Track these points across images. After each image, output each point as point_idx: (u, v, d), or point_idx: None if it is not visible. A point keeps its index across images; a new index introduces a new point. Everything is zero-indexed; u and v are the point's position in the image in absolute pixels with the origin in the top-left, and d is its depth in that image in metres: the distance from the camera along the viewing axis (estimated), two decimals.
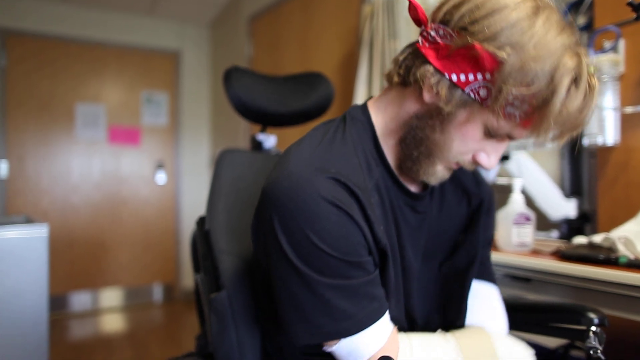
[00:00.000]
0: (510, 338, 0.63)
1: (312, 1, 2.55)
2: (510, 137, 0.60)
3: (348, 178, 0.59)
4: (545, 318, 0.83)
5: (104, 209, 3.52)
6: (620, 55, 1.24)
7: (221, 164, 0.88)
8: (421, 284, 0.72)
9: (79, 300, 3.44)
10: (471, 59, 0.55)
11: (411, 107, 0.64)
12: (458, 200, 0.77)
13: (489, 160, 0.62)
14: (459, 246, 0.75)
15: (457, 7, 0.57)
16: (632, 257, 0.93)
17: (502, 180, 1.38)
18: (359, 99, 1.92)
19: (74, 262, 3.40)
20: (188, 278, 3.77)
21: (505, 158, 1.37)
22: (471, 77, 0.56)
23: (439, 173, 0.65)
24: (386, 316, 0.61)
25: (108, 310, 3.46)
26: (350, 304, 0.57)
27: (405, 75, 0.64)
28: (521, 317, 0.86)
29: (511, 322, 0.87)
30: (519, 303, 0.89)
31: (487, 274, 0.78)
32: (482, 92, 0.56)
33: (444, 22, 0.58)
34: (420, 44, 0.61)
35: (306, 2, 2.60)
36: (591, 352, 0.70)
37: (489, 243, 0.80)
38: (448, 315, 0.74)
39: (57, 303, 3.32)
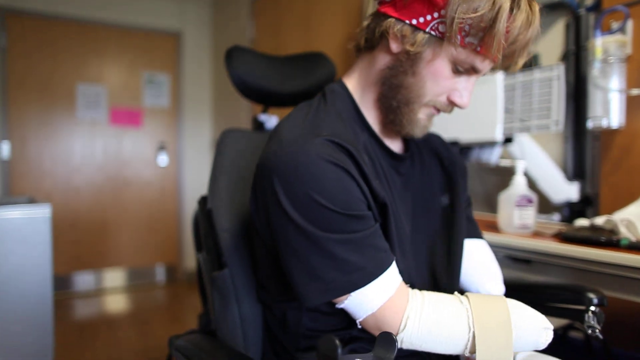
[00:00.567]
0: (526, 309, 0.63)
1: None
2: (475, 70, 0.66)
3: (340, 138, 0.62)
4: (544, 297, 0.84)
5: (106, 191, 3.53)
6: (628, 37, 1.23)
7: (223, 143, 0.88)
8: (414, 246, 0.74)
9: (83, 280, 3.47)
10: (424, 2, 0.62)
11: (382, 62, 0.70)
12: (435, 163, 0.83)
13: (462, 99, 0.67)
14: (444, 208, 0.80)
15: None
16: (633, 239, 0.93)
17: (504, 163, 1.37)
18: None
19: (77, 243, 3.43)
20: (190, 259, 3.80)
21: (508, 140, 1.36)
22: (428, 17, 0.62)
23: (421, 121, 0.70)
24: (393, 267, 0.63)
25: (111, 290, 3.51)
26: (357, 256, 0.59)
27: (370, 37, 0.70)
28: (519, 296, 0.87)
29: None
30: (517, 282, 0.89)
31: (474, 231, 0.84)
32: (441, 28, 0.62)
33: None
34: (380, 5, 0.69)
35: None
36: (590, 331, 0.70)
37: (469, 203, 0.88)
38: (441, 277, 0.76)
39: (61, 283, 3.35)
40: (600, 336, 0.70)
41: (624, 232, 0.95)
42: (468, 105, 0.68)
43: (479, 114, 1.33)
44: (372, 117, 0.73)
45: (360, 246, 0.60)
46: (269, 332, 0.78)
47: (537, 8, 0.63)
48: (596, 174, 1.35)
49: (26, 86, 3.27)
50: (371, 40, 0.71)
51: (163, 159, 3.71)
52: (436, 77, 0.66)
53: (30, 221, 1.44)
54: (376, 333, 0.62)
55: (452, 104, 0.69)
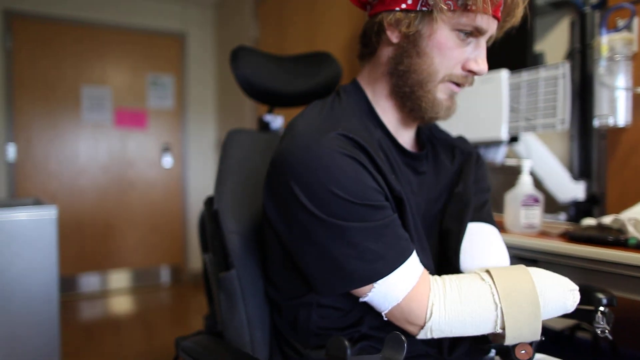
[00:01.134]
0: (549, 275, 0.61)
1: None
2: (480, 32, 0.64)
3: (354, 133, 0.63)
4: None
5: (111, 192, 3.54)
6: (634, 34, 1.22)
7: (229, 144, 0.88)
8: (420, 245, 0.73)
9: (88, 281, 3.49)
10: None
11: (386, 55, 0.70)
12: (450, 159, 0.82)
13: (477, 64, 0.66)
14: (453, 197, 0.78)
15: None
16: None
17: (510, 162, 1.37)
18: None
19: (82, 244, 3.44)
20: (195, 260, 3.81)
21: (513, 140, 1.35)
22: None
23: (443, 102, 0.69)
24: (415, 256, 0.63)
25: (116, 291, 3.52)
26: (378, 244, 0.59)
27: (369, 42, 0.72)
28: None
29: None
30: None
31: (487, 216, 0.80)
32: (430, 1, 0.63)
33: None
34: (370, 11, 0.70)
35: None
36: (599, 332, 0.70)
37: (488, 189, 0.84)
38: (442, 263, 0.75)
39: (67, 284, 3.37)
40: (610, 337, 0.70)
41: (632, 232, 0.95)
42: (486, 69, 0.66)
43: (484, 113, 1.32)
44: (386, 115, 0.73)
45: (380, 235, 0.59)
46: (277, 333, 0.78)
47: None
48: (603, 172, 1.34)
49: (31, 88, 3.29)
50: (371, 45, 0.72)
51: (168, 160, 3.72)
52: (442, 50, 0.65)
53: (37, 223, 1.44)
54: (404, 324, 0.62)
55: (469, 73, 0.67)
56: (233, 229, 0.79)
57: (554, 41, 1.48)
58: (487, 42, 0.69)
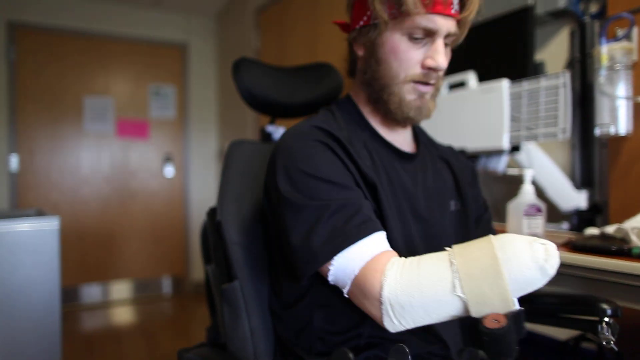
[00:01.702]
0: (514, 241, 0.54)
1: None
2: (429, 31, 0.69)
3: (328, 126, 0.72)
4: (557, 309, 0.83)
5: (113, 202, 3.55)
6: (634, 44, 1.22)
7: (231, 155, 0.88)
8: (427, 243, 0.76)
9: (90, 292, 3.48)
10: (358, 6, 0.74)
11: (359, 69, 0.80)
12: (446, 170, 0.87)
13: (434, 60, 0.70)
14: (455, 213, 0.83)
15: None
16: None
17: (512, 171, 1.37)
18: None
19: (84, 254, 3.44)
20: (197, 270, 3.80)
21: (515, 149, 1.36)
22: (368, 13, 0.72)
23: (411, 102, 0.73)
24: (380, 237, 0.63)
25: (118, 302, 3.50)
26: (341, 221, 0.62)
27: (349, 58, 0.83)
28: (531, 308, 0.86)
29: None
30: (529, 294, 0.88)
31: (491, 232, 0.87)
32: (381, 15, 0.70)
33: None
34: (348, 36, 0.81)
35: None
36: (604, 343, 0.69)
37: (487, 207, 0.92)
38: None
39: (68, 295, 3.36)
40: (616, 348, 0.69)
41: (635, 241, 0.94)
42: (443, 65, 0.70)
43: (486, 123, 1.33)
44: (373, 119, 0.80)
45: (343, 210, 0.62)
46: (281, 344, 0.78)
47: None
48: (605, 181, 1.34)
49: (35, 99, 3.31)
50: (351, 61, 0.83)
51: (169, 170, 3.73)
52: (396, 54, 0.71)
53: (39, 234, 1.44)
54: (362, 300, 0.61)
55: (429, 70, 0.71)
56: (236, 240, 0.79)
57: (553, 50, 1.49)
58: (448, 39, 0.73)
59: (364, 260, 0.60)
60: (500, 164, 1.38)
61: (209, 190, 3.86)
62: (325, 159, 0.66)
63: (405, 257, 0.63)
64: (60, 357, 1.43)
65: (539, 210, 1.11)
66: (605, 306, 0.71)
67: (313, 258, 0.61)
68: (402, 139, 0.82)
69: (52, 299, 1.45)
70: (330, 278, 0.63)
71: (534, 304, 0.85)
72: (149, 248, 3.67)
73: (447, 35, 0.71)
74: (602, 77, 1.21)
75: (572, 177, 1.41)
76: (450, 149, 0.94)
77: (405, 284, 0.56)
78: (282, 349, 0.78)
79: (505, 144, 1.29)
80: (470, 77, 1.41)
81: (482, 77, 1.39)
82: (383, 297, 0.57)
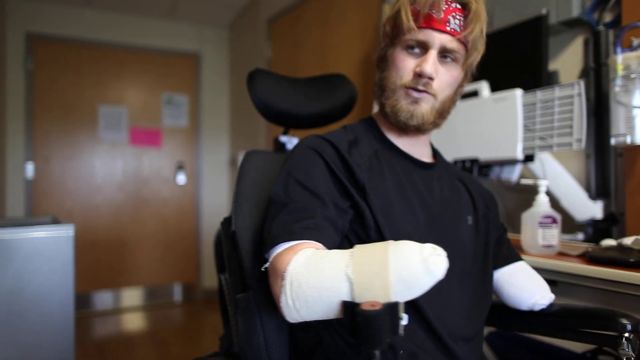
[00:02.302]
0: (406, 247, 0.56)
1: (331, 3, 2.55)
2: (422, 44, 0.76)
3: (332, 137, 0.79)
4: (575, 323, 0.82)
5: (126, 209, 3.58)
6: None
7: (246, 164, 0.89)
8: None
9: (101, 299, 3.50)
10: (384, 33, 0.84)
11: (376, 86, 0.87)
12: (462, 188, 0.91)
13: (421, 67, 0.76)
14: (471, 227, 0.86)
15: None
16: None
17: (526, 181, 1.36)
18: None
19: (97, 261, 3.47)
20: (208, 278, 3.81)
21: (529, 159, 1.35)
22: (385, 39, 0.84)
23: (403, 106, 0.79)
24: (318, 245, 0.66)
25: (129, 309, 3.52)
26: (290, 220, 0.68)
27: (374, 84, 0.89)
28: (550, 322, 0.85)
29: (540, 326, 0.85)
30: (547, 308, 0.87)
31: (513, 256, 0.92)
32: (387, 32, 0.82)
33: None
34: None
35: (325, 4, 2.60)
36: (624, 359, 0.68)
37: (505, 230, 0.97)
38: (479, 293, 0.82)
39: (80, 301, 3.39)
40: None
41: None
42: (428, 70, 0.76)
43: (499, 133, 1.32)
44: (392, 134, 0.86)
45: (297, 215, 0.69)
46: (297, 355, 0.78)
47: None
48: (621, 192, 1.32)
49: (50, 108, 3.37)
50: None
51: (181, 178, 3.76)
52: (395, 63, 0.79)
53: (55, 241, 1.46)
54: (271, 280, 0.65)
55: (417, 76, 0.77)
56: (250, 249, 0.79)
57: (567, 60, 1.48)
58: (451, 55, 0.77)
59: (279, 250, 0.66)
60: (514, 174, 1.37)
61: (220, 197, 3.88)
62: (309, 163, 0.75)
63: None
64: None
65: (554, 221, 1.10)
66: (625, 321, 0.70)
67: (265, 242, 0.69)
68: (420, 152, 0.87)
69: (66, 305, 1.46)
70: (267, 264, 0.67)
71: (553, 318, 0.84)
72: (160, 255, 3.70)
73: (446, 51, 0.76)
74: (617, 86, 1.20)
75: (586, 187, 1.40)
76: (468, 174, 0.99)
77: (309, 263, 0.60)
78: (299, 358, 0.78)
79: (519, 154, 1.28)
80: (483, 87, 1.41)
81: (495, 87, 1.39)
82: (287, 273, 0.61)
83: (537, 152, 1.32)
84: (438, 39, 0.75)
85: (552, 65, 1.50)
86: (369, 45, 2.23)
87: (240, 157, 3.61)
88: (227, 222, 0.90)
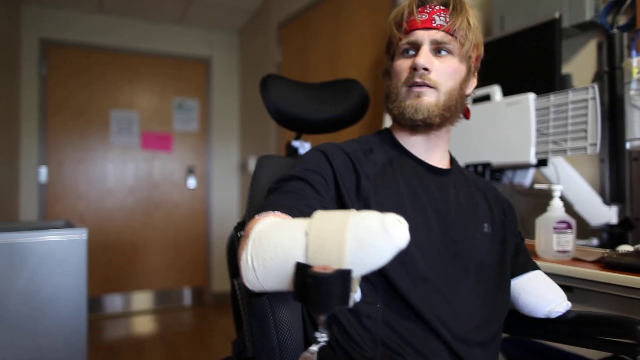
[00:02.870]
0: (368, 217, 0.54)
1: (341, 7, 2.55)
2: (414, 44, 0.81)
3: (346, 146, 0.82)
4: (593, 330, 0.81)
5: (137, 213, 3.61)
6: None
7: (259, 169, 0.89)
8: (456, 262, 0.79)
9: (112, 302, 3.53)
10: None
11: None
12: (480, 196, 0.91)
13: (415, 60, 0.79)
14: (489, 235, 0.85)
15: None
16: None
17: (540, 186, 1.34)
18: None
19: (108, 264, 3.50)
20: (218, 282, 3.82)
21: (542, 163, 1.34)
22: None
23: (407, 104, 0.81)
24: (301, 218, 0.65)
25: (140, 312, 3.54)
26: (280, 197, 0.71)
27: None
28: (567, 329, 0.84)
29: (556, 333, 0.84)
30: (564, 315, 0.86)
31: (529, 264, 0.92)
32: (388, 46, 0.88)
33: None
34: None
35: (335, 9, 2.61)
36: None
37: (522, 238, 0.97)
38: (494, 299, 0.82)
39: (91, 305, 3.41)
40: None
41: None
42: (421, 61, 0.78)
43: (512, 137, 1.31)
44: (407, 142, 0.87)
45: (287, 195, 0.71)
46: None
47: None
48: (636, 196, 1.31)
49: (63, 113, 3.41)
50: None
51: (192, 182, 3.78)
52: (395, 70, 0.84)
53: (68, 244, 1.48)
54: (241, 241, 0.63)
55: (412, 71, 0.80)
56: None
57: (580, 63, 1.47)
58: (443, 47, 0.80)
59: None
60: (527, 179, 1.36)
61: (230, 201, 3.90)
62: (312, 161, 0.78)
63: (425, 264, 0.73)
64: None
65: (569, 226, 1.08)
66: None
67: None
68: (437, 159, 0.87)
69: (79, 307, 1.47)
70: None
71: (570, 325, 0.83)
72: (170, 258, 3.72)
73: (438, 44, 0.80)
74: (632, 90, 1.19)
75: (601, 192, 1.38)
76: (486, 181, 0.99)
77: (276, 223, 0.61)
78: None
79: (532, 159, 1.27)
80: (496, 91, 1.40)
81: (508, 91, 1.38)
82: (253, 232, 0.61)
83: (551, 156, 1.31)
84: (426, 35, 0.80)
85: (565, 69, 1.49)
86: (380, 49, 2.23)
87: (250, 161, 3.63)
88: (240, 227, 0.90)
